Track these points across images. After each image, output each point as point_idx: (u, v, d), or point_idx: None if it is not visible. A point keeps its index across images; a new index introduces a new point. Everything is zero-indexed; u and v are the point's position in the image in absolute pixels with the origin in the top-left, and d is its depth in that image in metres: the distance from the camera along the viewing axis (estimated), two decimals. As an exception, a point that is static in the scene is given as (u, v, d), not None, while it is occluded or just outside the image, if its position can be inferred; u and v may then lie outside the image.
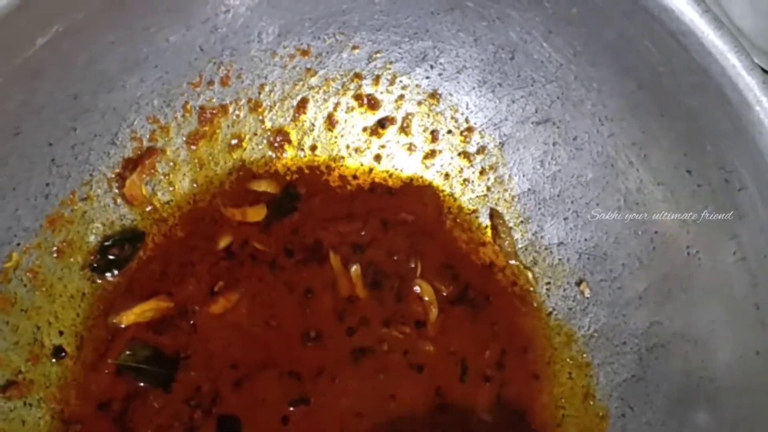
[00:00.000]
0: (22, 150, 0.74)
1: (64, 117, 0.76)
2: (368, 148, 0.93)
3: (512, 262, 0.91)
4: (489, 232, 0.92)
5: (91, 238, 0.83)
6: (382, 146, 0.93)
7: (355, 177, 0.92)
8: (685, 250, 0.80)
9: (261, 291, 0.84)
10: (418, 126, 0.93)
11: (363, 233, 0.88)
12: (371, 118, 0.92)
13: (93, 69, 0.76)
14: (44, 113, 0.74)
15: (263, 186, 0.88)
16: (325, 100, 0.91)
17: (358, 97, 0.91)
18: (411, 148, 0.93)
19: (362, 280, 0.86)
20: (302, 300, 0.84)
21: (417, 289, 0.87)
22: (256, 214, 0.87)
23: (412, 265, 0.88)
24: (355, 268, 0.86)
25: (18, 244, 0.77)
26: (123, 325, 0.80)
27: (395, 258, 0.87)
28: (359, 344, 0.84)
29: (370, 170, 0.92)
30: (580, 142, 0.87)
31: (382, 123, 0.92)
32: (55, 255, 0.80)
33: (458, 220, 0.92)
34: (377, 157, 0.93)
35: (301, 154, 0.91)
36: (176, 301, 0.82)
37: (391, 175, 0.93)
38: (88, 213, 0.82)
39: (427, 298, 0.86)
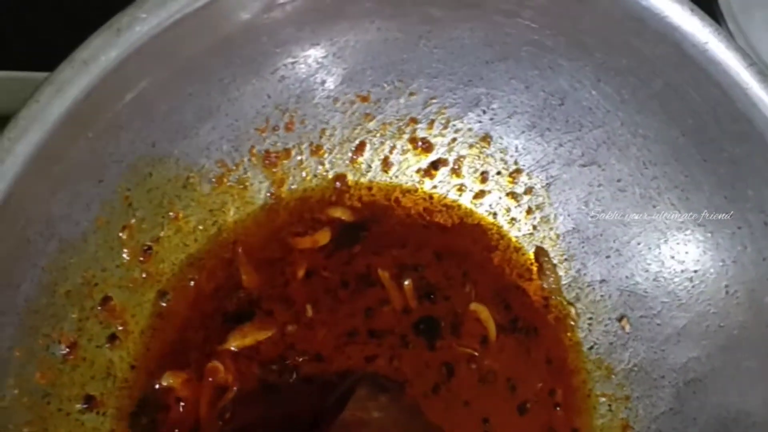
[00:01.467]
0: (104, 196, 0.77)
1: (142, 164, 0.79)
2: (421, 188, 0.95)
3: (556, 298, 0.92)
4: (535, 268, 0.94)
5: (164, 277, 0.85)
6: (435, 186, 0.95)
7: (408, 215, 0.94)
8: (724, 289, 0.83)
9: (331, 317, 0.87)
10: (469, 167, 0.95)
11: (414, 258, 0.91)
12: (425, 161, 0.94)
13: (171, 119, 0.79)
14: (125, 161, 0.77)
15: (339, 212, 0.91)
16: (382, 143, 0.93)
17: (413, 141, 0.93)
18: (462, 188, 0.95)
19: (414, 293, 0.89)
20: (364, 320, 0.87)
21: (473, 309, 0.89)
22: (323, 238, 0.90)
23: (467, 290, 0.90)
24: (407, 282, 0.89)
25: (96, 284, 0.80)
26: (233, 348, 0.83)
27: (450, 282, 0.90)
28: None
29: (424, 209, 0.94)
30: (623, 184, 0.89)
31: (435, 164, 0.94)
32: (128, 291, 0.83)
33: (506, 257, 0.94)
34: (430, 197, 0.95)
35: (358, 194, 0.93)
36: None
37: (442, 214, 0.95)
38: (159, 253, 0.84)
39: (483, 317, 0.89)
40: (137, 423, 0.81)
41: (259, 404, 0.83)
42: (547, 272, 0.92)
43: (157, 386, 0.82)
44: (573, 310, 0.93)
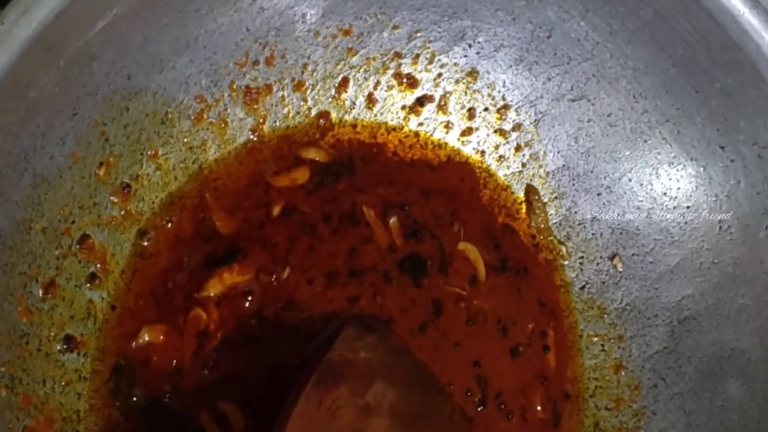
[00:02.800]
0: (79, 130, 0.76)
1: (118, 97, 0.78)
2: (407, 125, 0.93)
3: (546, 237, 0.92)
4: (524, 207, 0.93)
5: (144, 216, 0.84)
6: (421, 124, 0.93)
7: (395, 154, 0.92)
8: (717, 224, 0.81)
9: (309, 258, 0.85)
10: (455, 104, 0.93)
11: (401, 196, 0.89)
12: (410, 97, 0.93)
13: (146, 50, 0.77)
14: (100, 94, 0.76)
15: (312, 154, 0.89)
16: (366, 79, 0.91)
17: (397, 76, 0.92)
18: (448, 125, 0.93)
19: (401, 231, 0.86)
20: (347, 260, 0.85)
21: (462, 248, 0.87)
22: (301, 176, 0.88)
23: (456, 229, 0.88)
24: (393, 220, 0.87)
25: (73, 222, 0.79)
26: (212, 294, 0.81)
27: (438, 221, 0.88)
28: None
29: (410, 147, 0.93)
30: (614, 118, 0.87)
31: (421, 101, 0.93)
32: (107, 230, 0.81)
33: (494, 196, 0.93)
34: (416, 135, 0.93)
35: (342, 132, 0.91)
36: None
37: (429, 152, 0.93)
38: (138, 191, 0.83)
39: (472, 257, 0.87)
40: (118, 391, 0.80)
41: (244, 351, 0.81)
42: (537, 211, 0.91)
43: (134, 345, 0.81)
44: (564, 250, 0.92)
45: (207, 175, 0.87)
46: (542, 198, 0.92)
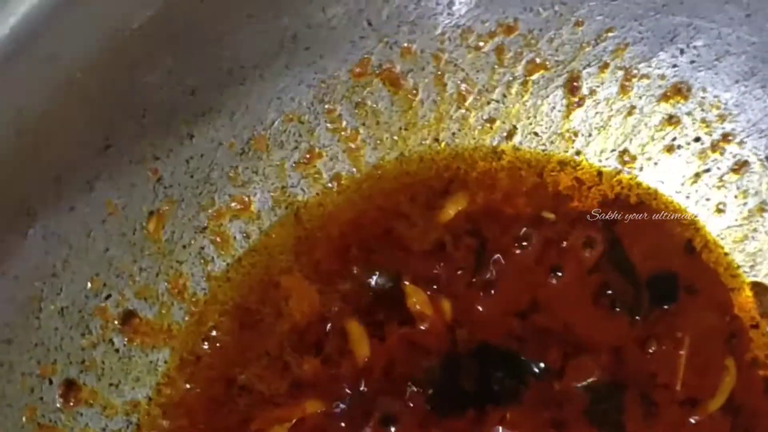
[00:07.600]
0: (114, 167, 0.62)
1: (177, 120, 0.66)
2: (584, 159, 0.78)
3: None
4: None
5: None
6: (604, 157, 0.79)
7: (568, 198, 0.77)
8: None
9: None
10: (655, 132, 0.78)
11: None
12: (590, 120, 0.78)
13: (218, 53, 0.64)
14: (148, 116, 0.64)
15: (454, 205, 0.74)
16: (532, 95, 0.77)
17: (574, 91, 0.77)
18: (643, 160, 0.79)
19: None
20: None
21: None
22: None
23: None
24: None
25: (108, 296, 0.66)
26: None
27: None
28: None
29: (589, 188, 0.77)
30: None
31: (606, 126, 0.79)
32: (158, 305, 0.69)
33: (704, 257, 0.76)
34: (598, 173, 0.78)
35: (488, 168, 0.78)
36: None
37: (608, 192, 0.78)
38: (205, 250, 0.71)
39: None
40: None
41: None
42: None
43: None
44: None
45: (304, 223, 0.74)
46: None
